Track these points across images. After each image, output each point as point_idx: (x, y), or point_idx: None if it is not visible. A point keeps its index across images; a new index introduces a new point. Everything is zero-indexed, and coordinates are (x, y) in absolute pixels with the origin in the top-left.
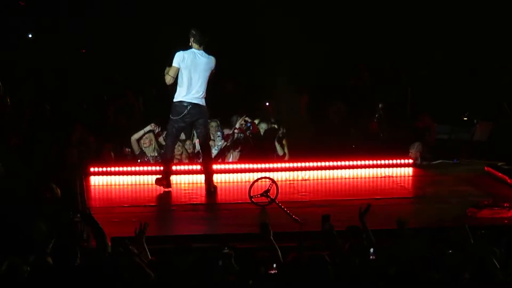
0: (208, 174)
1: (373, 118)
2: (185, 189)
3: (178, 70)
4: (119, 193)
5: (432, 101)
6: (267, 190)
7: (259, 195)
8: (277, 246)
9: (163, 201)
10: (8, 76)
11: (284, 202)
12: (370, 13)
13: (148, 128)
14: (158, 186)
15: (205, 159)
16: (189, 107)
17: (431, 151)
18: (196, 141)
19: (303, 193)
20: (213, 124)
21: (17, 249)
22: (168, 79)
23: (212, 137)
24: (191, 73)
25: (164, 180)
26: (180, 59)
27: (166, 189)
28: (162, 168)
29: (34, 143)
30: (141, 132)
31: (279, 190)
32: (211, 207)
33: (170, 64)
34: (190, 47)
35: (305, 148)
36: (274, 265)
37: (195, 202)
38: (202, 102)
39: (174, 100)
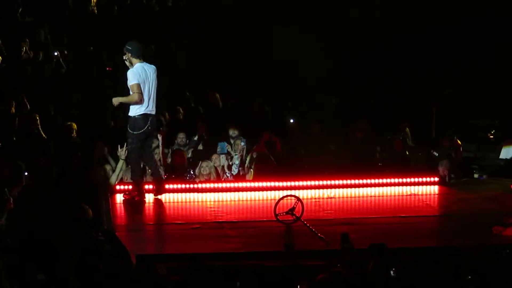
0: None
1: (398, 136)
2: (210, 207)
3: (139, 85)
4: (144, 210)
5: (457, 119)
6: (293, 208)
7: (284, 213)
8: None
9: (188, 219)
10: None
11: (309, 220)
12: (395, 31)
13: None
14: (182, 204)
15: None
16: (150, 119)
17: (457, 169)
18: (221, 156)
19: (329, 211)
20: (238, 142)
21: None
22: (137, 97)
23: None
24: (146, 86)
25: (137, 194)
26: (136, 75)
27: (138, 202)
28: (132, 187)
29: (61, 163)
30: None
31: (305, 208)
32: (237, 225)
33: (126, 87)
34: (131, 64)
35: (330, 166)
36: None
37: (220, 220)
38: (155, 111)
39: (134, 114)
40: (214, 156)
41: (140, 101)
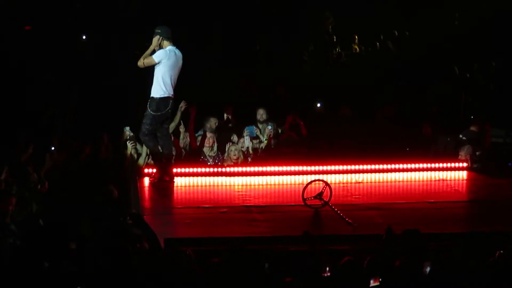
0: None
1: (426, 121)
2: (238, 191)
3: (153, 64)
4: (172, 194)
5: (486, 104)
6: (321, 193)
7: (312, 198)
8: None
9: (216, 202)
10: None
11: (337, 204)
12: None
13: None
14: (209, 187)
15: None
16: (171, 102)
17: (486, 154)
18: (246, 138)
19: (357, 196)
20: (268, 126)
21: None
22: (140, 64)
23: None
24: (172, 71)
25: (163, 176)
26: (165, 57)
27: (165, 182)
28: (157, 168)
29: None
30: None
31: (333, 193)
32: (264, 209)
33: (151, 52)
34: (161, 48)
35: (359, 150)
36: (327, 268)
37: (248, 204)
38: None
39: (156, 95)
40: (242, 140)
41: (138, 66)
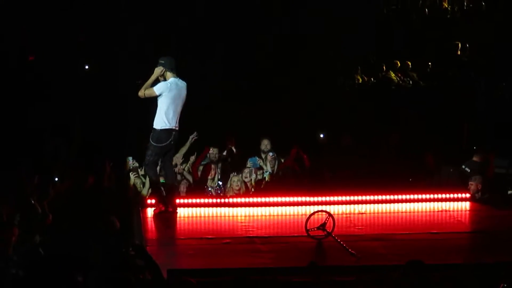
0: (172, 196)
1: (429, 152)
2: (241, 222)
3: (154, 96)
4: (175, 225)
5: (489, 134)
6: (324, 224)
7: (315, 229)
8: None
9: (218, 233)
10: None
11: (340, 235)
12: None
13: (190, 139)
14: (212, 218)
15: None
16: (174, 134)
17: (489, 185)
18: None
19: (360, 227)
20: (271, 157)
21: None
22: (141, 94)
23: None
24: (174, 102)
25: (161, 206)
26: (166, 89)
27: (165, 212)
28: (156, 199)
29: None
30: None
31: (336, 224)
32: (267, 240)
33: (153, 82)
34: (164, 79)
35: (361, 181)
36: None
37: (251, 235)
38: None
39: (158, 127)
40: (246, 170)
41: (138, 95)
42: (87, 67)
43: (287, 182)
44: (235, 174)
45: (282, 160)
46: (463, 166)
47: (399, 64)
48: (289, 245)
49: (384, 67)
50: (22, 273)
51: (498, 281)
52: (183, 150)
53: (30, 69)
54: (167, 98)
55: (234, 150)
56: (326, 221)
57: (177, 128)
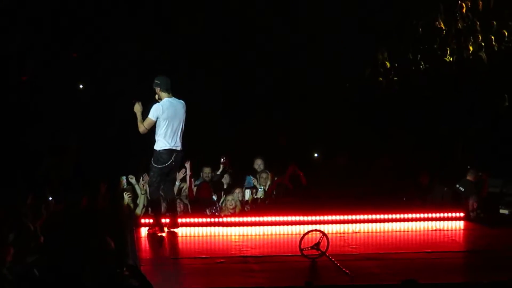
0: (173, 213)
1: (423, 171)
2: (235, 241)
3: (153, 122)
4: (169, 244)
5: (483, 154)
6: (318, 243)
7: (309, 248)
8: None
9: (212, 253)
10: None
11: (334, 255)
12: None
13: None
14: (206, 237)
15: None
16: (174, 155)
17: (483, 204)
18: (246, 191)
19: (354, 246)
20: (264, 175)
21: None
22: (142, 129)
23: (258, 187)
24: (172, 122)
25: (157, 228)
26: (159, 112)
27: (160, 234)
28: (153, 220)
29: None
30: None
31: (330, 243)
32: (261, 260)
33: (146, 114)
34: (159, 99)
35: (355, 200)
36: None
37: (245, 255)
38: (182, 147)
39: (158, 149)
40: (237, 190)
41: (142, 133)
42: (81, 86)
43: (281, 200)
44: (230, 193)
45: (275, 178)
46: (457, 185)
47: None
48: (283, 264)
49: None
50: None
51: None
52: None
53: (23, 89)
54: (162, 119)
55: (227, 169)
56: (320, 240)
57: (178, 148)
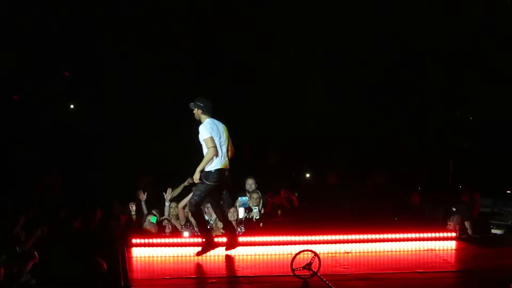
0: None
1: (415, 190)
2: (226, 261)
3: (213, 138)
4: (160, 264)
5: (475, 174)
6: (310, 263)
7: (301, 268)
8: None
9: (204, 273)
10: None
11: (326, 275)
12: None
13: (184, 184)
14: (199, 258)
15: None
16: (226, 173)
17: (474, 224)
18: (240, 209)
19: (346, 266)
20: (255, 195)
21: None
22: (213, 151)
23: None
24: (220, 140)
25: (206, 249)
26: (210, 129)
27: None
28: (206, 239)
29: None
30: (178, 191)
31: (322, 263)
32: (252, 280)
33: (201, 139)
34: (199, 121)
35: (347, 220)
36: None
37: (236, 275)
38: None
39: (210, 169)
40: (232, 209)
41: (216, 154)
42: (72, 106)
43: (275, 220)
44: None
45: (269, 199)
46: (453, 208)
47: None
48: (275, 284)
49: None
50: None
51: None
52: (177, 192)
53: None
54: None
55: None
56: (312, 261)
57: (228, 167)
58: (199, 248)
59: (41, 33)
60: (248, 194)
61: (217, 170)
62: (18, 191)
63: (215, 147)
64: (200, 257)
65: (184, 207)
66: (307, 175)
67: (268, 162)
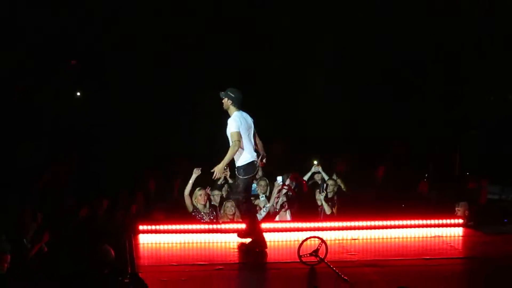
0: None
1: (422, 178)
2: (233, 248)
3: (239, 133)
4: (168, 251)
5: (482, 161)
6: (316, 250)
7: (308, 255)
8: None
9: (211, 259)
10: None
11: (333, 261)
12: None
13: (194, 176)
14: (206, 244)
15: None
16: (257, 166)
17: (481, 211)
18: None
19: (353, 253)
20: (262, 183)
21: None
22: (237, 145)
23: (260, 196)
24: (248, 134)
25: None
26: (238, 123)
27: (261, 249)
28: (254, 237)
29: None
30: (189, 184)
31: (328, 250)
32: (260, 266)
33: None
34: (227, 111)
35: (355, 207)
36: None
37: (243, 261)
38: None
39: (243, 163)
40: (230, 204)
41: (239, 148)
42: (78, 94)
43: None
44: (229, 199)
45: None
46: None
47: None
48: (282, 271)
49: None
50: None
51: None
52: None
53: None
54: (241, 132)
55: (228, 177)
56: (319, 247)
57: (258, 159)
58: (209, 235)
59: (40, 31)
60: (255, 181)
61: (250, 163)
62: (23, 187)
63: (239, 141)
64: (207, 243)
65: (190, 194)
66: (315, 162)
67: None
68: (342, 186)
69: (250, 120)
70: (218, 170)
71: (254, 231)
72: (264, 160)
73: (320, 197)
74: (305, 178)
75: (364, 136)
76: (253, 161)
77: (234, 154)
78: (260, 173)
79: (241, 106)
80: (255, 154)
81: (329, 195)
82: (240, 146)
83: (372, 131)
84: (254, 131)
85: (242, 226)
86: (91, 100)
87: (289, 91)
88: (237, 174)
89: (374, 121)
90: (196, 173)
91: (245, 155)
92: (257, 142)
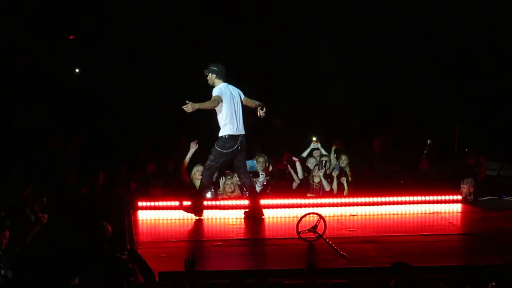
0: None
1: (422, 155)
2: (232, 224)
3: (221, 99)
4: (166, 227)
5: (481, 137)
6: (315, 226)
7: (306, 231)
8: None
9: (210, 236)
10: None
11: (331, 237)
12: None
13: (191, 150)
14: (203, 220)
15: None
16: (240, 139)
17: (480, 187)
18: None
19: (351, 229)
20: (261, 159)
21: None
22: (216, 103)
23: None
24: (233, 106)
25: (195, 209)
26: (222, 91)
27: (197, 217)
28: (195, 199)
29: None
30: (187, 159)
31: (327, 226)
32: (258, 242)
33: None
34: (212, 86)
35: (353, 183)
36: None
37: (242, 237)
38: (244, 131)
39: (223, 134)
40: (229, 181)
41: (222, 115)
42: (77, 70)
43: (280, 184)
44: (229, 176)
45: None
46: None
47: None
48: (280, 247)
49: None
50: (11, 274)
51: (487, 283)
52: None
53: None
54: (224, 102)
55: None
56: (317, 223)
57: (242, 133)
58: (208, 211)
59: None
60: (254, 158)
61: (230, 136)
62: (25, 154)
63: (219, 100)
64: (205, 220)
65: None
66: (314, 139)
67: (272, 126)
68: (346, 162)
69: (236, 91)
70: (191, 105)
71: (254, 202)
72: (264, 109)
73: (319, 174)
74: (304, 154)
75: (364, 112)
76: (235, 135)
77: (211, 107)
78: (259, 150)
79: (225, 79)
80: (239, 128)
81: (328, 172)
82: (217, 105)
83: (372, 107)
84: (240, 103)
85: (241, 202)
86: (87, 76)
87: (291, 69)
88: (215, 145)
89: (374, 96)
90: (193, 147)
91: (227, 127)
92: (250, 103)
